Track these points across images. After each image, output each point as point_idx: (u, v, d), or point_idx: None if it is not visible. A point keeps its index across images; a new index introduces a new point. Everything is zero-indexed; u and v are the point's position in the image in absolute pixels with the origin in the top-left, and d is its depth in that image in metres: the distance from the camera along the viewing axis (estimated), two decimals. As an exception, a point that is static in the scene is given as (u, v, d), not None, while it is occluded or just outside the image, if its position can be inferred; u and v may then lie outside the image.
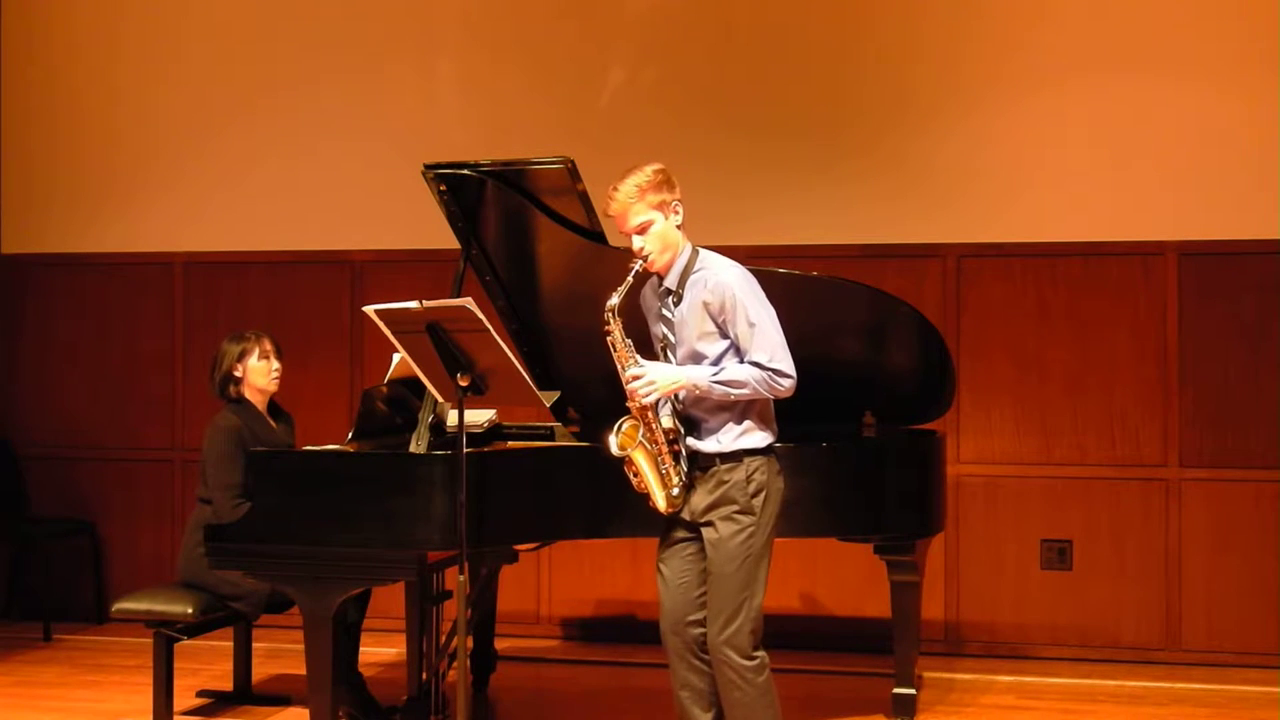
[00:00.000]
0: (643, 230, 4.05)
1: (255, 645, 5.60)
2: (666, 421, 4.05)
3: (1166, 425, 6.18)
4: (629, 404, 3.99)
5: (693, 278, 4.08)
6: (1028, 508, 6.29)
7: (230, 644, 5.58)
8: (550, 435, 5.30)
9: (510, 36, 6.73)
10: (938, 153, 6.35)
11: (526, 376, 4.29)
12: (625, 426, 3.99)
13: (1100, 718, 5.41)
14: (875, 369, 5.30)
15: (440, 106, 6.76)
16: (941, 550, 6.21)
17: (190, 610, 5.02)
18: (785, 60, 6.47)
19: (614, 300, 4.00)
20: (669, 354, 4.10)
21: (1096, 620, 6.22)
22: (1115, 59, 6.20)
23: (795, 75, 6.46)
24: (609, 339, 4.02)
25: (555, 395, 5.06)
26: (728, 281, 4.02)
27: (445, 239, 5.16)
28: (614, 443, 3.97)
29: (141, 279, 7.10)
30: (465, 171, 4.82)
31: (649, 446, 4.01)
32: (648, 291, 4.22)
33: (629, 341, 4.02)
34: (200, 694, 5.60)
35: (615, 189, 4.05)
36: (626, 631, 6.55)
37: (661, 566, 4.16)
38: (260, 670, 5.75)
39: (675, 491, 4.04)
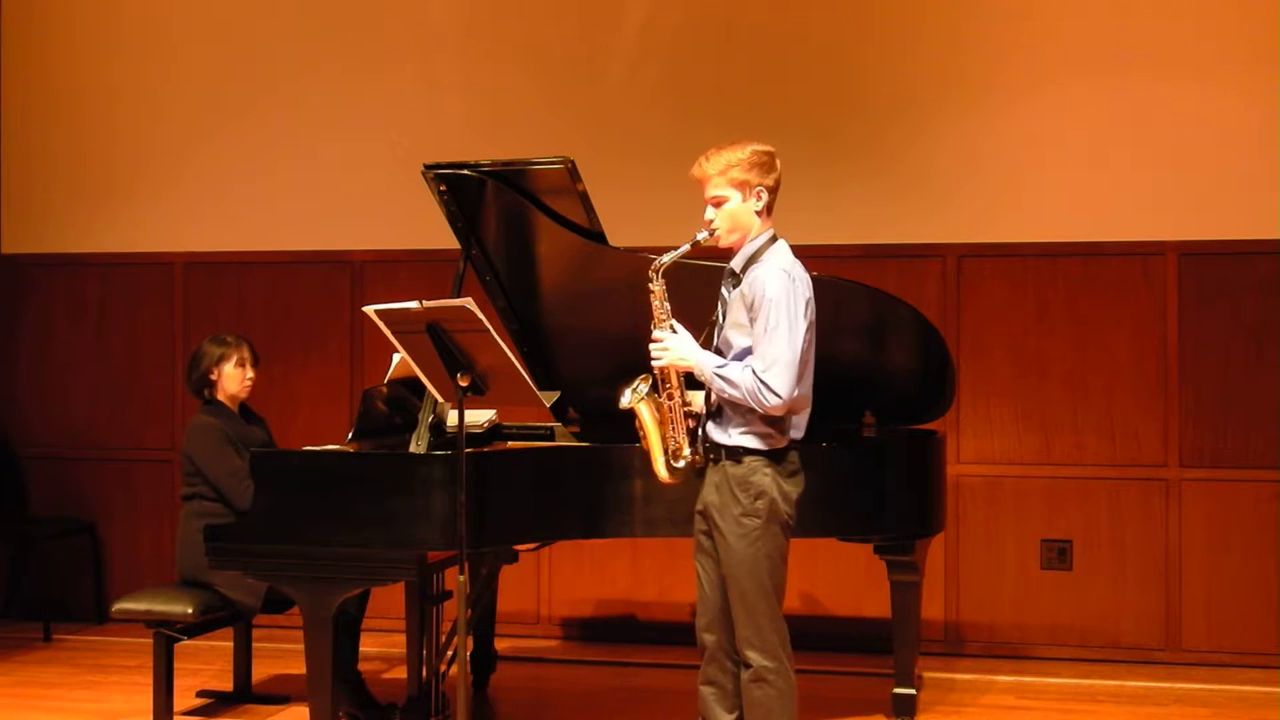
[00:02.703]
0: (716, 204, 4.04)
1: (255, 645, 5.60)
2: (698, 400, 4.07)
3: (1166, 425, 6.18)
4: (651, 361, 4.03)
5: (754, 267, 4.04)
6: (1028, 508, 6.29)
7: (230, 644, 5.58)
8: (550, 435, 5.30)
9: (510, 36, 6.73)
10: (937, 153, 6.36)
11: (526, 376, 4.29)
12: (639, 384, 4.05)
13: (1100, 718, 5.41)
14: (875, 369, 5.30)
15: (440, 106, 6.76)
16: (941, 550, 6.21)
17: (190, 610, 5.02)
18: (785, 60, 6.47)
19: (661, 260, 4.01)
20: (716, 333, 4.10)
21: (1096, 620, 6.22)
22: (1115, 59, 6.20)
23: (795, 75, 6.46)
24: (650, 296, 4.03)
25: (555, 395, 5.06)
26: (766, 279, 3.96)
27: (445, 239, 5.17)
28: (626, 394, 4.04)
29: (141, 279, 7.10)
30: (465, 171, 4.82)
31: (655, 410, 4.03)
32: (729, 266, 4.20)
33: (667, 305, 4.02)
34: (200, 694, 5.60)
35: (707, 156, 4.04)
36: (626, 631, 6.55)
37: (697, 566, 4.15)
38: (260, 670, 5.74)
39: (680, 464, 4.04)
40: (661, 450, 4.05)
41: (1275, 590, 6.05)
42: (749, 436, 3.99)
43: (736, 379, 3.93)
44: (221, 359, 5.28)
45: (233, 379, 5.29)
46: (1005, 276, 6.33)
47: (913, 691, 5.20)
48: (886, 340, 5.31)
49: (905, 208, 6.37)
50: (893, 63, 6.39)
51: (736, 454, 4.00)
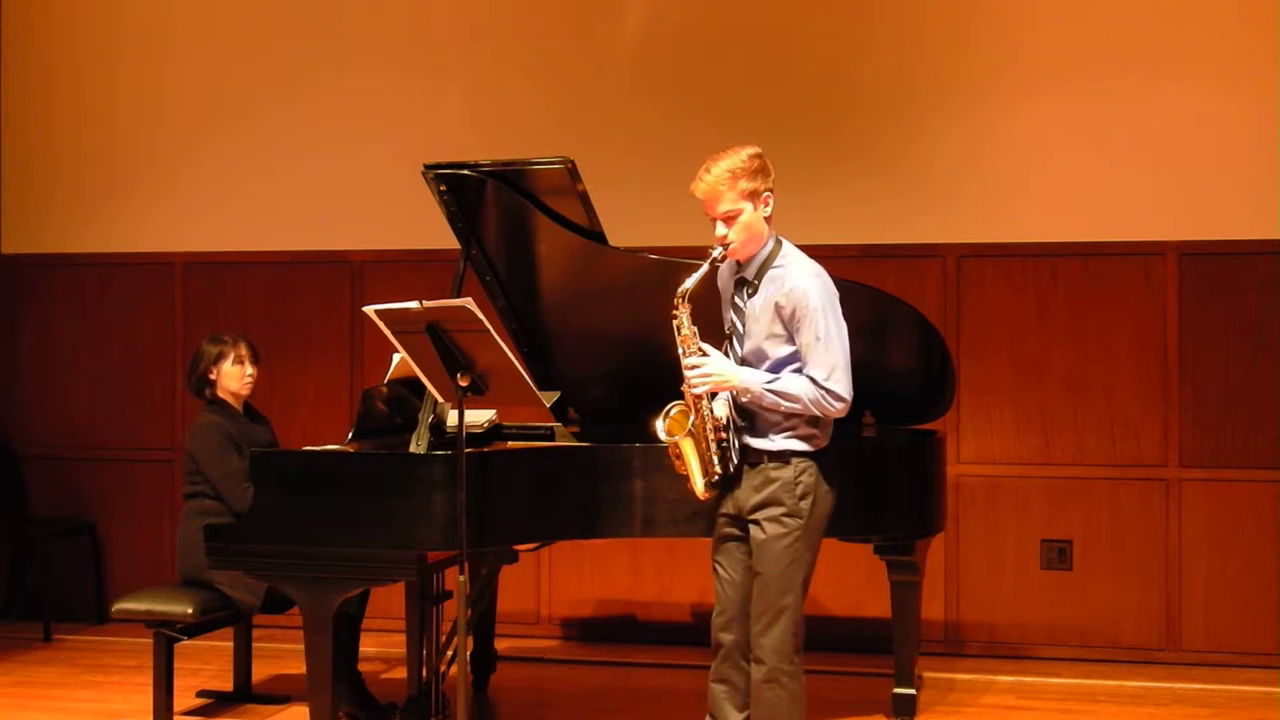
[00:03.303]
0: (729, 219, 3.95)
1: (255, 645, 5.60)
2: (721, 410, 4.02)
3: (1166, 425, 6.18)
4: (683, 387, 3.96)
5: (771, 272, 3.99)
6: (1028, 508, 6.29)
7: (230, 644, 5.58)
8: (550, 435, 5.30)
9: (511, 36, 6.73)
10: (938, 152, 6.36)
11: (526, 376, 4.29)
12: (674, 412, 3.98)
13: (1100, 718, 5.41)
14: (875, 369, 5.27)
15: (441, 106, 6.76)
16: (941, 550, 6.21)
17: (190, 610, 5.02)
18: (785, 60, 6.47)
19: (685, 285, 3.92)
20: (735, 343, 4.04)
21: (1096, 620, 6.22)
22: (1115, 59, 6.20)
23: (795, 75, 6.46)
24: (674, 323, 3.95)
25: (555, 395, 5.06)
26: (805, 288, 3.93)
27: (445, 239, 5.16)
28: (661, 428, 3.96)
29: (141, 279, 7.09)
30: (465, 171, 4.81)
31: (695, 434, 3.98)
32: (725, 273, 4.13)
33: (694, 329, 3.95)
34: (200, 694, 5.60)
35: (707, 170, 3.93)
36: (626, 631, 6.55)
37: (717, 565, 4.13)
38: (260, 670, 5.74)
39: (716, 479, 4.00)
40: (702, 474, 4.01)
41: (1275, 590, 6.05)
42: (796, 439, 3.97)
43: (796, 391, 3.90)
44: (219, 357, 5.28)
45: (231, 377, 5.28)
46: (1005, 276, 6.32)
47: (913, 691, 5.20)
48: (886, 340, 5.31)
49: (905, 208, 6.37)
50: (893, 63, 6.39)
51: (783, 457, 3.97)
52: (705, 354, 3.97)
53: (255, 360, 5.35)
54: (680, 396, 3.99)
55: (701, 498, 4.06)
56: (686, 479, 4.05)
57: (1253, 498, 6.09)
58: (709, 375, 3.93)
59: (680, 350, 3.97)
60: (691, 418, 3.97)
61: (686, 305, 3.95)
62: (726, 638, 4.11)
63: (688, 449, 4.00)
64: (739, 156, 3.95)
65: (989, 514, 6.33)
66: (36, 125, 7.21)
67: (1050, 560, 6.26)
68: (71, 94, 7.17)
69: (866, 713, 5.35)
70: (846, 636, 6.24)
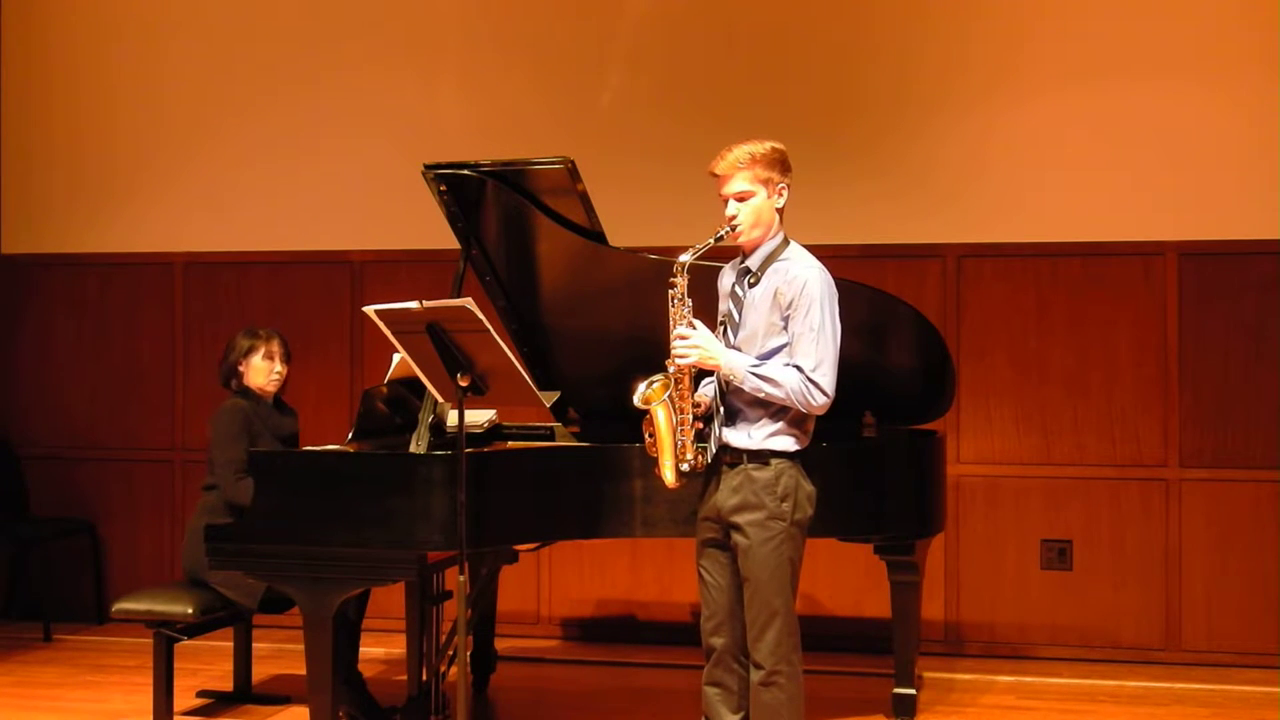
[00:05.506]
0: (741, 199, 3.98)
1: (255, 645, 5.60)
2: (706, 392, 4.01)
3: (1166, 425, 6.18)
4: (667, 361, 3.95)
5: (775, 265, 4.00)
6: (1028, 508, 6.29)
7: (230, 644, 5.58)
8: (550, 435, 5.30)
9: (511, 36, 6.73)
10: (938, 153, 6.36)
11: (526, 376, 4.29)
12: (657, 384, 3.96)
13: (1100, 718, 5.41)
14: (875, 369, 5.29)
15: (440, 106, 6.76)
16: (941, 550, 6.21)
17: (190, 610, 5.02)
18: (785, 61, 6.47)
19: (685, 257, 3.94)
20: (728, 332, 4.03)
21: (1096, 620, 6.22)
22: (1115, 60, 6.20)
23: (795, 76, 6.46)
24: (671, 292, 3.95)
25: (555, 395, 5.06)
26: (807, 278, 3.95)
27: (445, 239, 5.17)
28: (640, 391, 3.94)
29: (141, 279, 7.10)
30: (465, 172, 4.82)
31: (673, 412, 3.96)
32: (727, 268, 4.15)
33: (689, 302, 3.95)
34: (200, 694, 5.60)
35: (728, 149, 3.98)
36: (626, 631, 6.55)
37: (702, 570, 4.11)
38: (260, 670, 5.75)
39: (685, 467, 3.97)
40: (673, 455, 3.98)
41: (1275, 590, 6.05)
42: (778, 438, 3.96)
43: (780, 378, 3.89)
44: (250, 351, 5.27)
45: (259, 372, 5.27)
46: (1005, 276, 6.32)
47: (913, 691, 5.20)
48: (886, 340, 5.31)
49: (905, 208, 6.37)
50: (894, 63, 6.39)
51: (762, 457, 3.96)
52: (694, 327, 3.96)
53: (286, 359, 5.34)
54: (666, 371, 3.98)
55: (670, 485, 4.01)
56: (658, 464, 4.00)
57: (1253, 498, 6.10)
58: (695, 347, 3.92)
59: (671, 321, 3.96)
60: (670, 391, 3.94)
61: (685, 277, 3.96)
62: (718, 641, 4.10)
63: (662, 423, 3.95)
64: (762, 144, 3.99)
65: (989, 514, 6.33)
66: (36, 125, 7.21)
67: (1050, 560, 6.26)
68: (71, 94, 7.17)
69: (866, 713, 5.35)
70: (846, 636, 6.25)
